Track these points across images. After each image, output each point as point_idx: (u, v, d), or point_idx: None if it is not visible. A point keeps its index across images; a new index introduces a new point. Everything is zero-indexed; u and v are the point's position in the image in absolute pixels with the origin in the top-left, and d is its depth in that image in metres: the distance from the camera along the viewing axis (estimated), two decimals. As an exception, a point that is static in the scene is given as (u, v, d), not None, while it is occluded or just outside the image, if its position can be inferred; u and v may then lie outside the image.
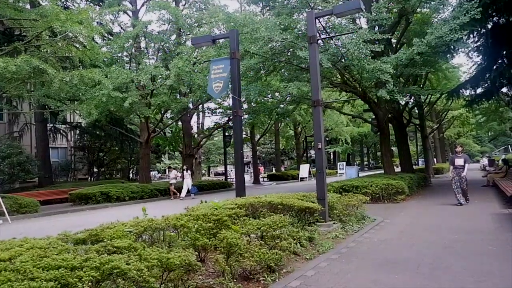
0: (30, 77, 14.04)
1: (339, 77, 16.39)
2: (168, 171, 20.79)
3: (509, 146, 59.86)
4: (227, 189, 26.65)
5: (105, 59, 19.53)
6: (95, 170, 32.46)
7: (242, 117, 14.01)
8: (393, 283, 4.53)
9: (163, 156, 55.61)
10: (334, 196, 8.74)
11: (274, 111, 17.20)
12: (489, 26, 17.46)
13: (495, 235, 7.05)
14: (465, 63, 61.45)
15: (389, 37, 13.11)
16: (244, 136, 39.40)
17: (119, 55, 21.61)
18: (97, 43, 21.60)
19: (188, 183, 20.02)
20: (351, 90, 15.24)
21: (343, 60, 13.30)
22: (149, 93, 19.76)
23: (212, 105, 28.80)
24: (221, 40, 15.52)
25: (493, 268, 4.98)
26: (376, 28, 14.32)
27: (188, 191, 20.19)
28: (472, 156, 77.66)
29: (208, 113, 32.02)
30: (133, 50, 21.98)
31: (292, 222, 6.83)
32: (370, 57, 12.72)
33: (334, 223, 7.96)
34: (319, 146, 7.80)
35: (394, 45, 15.83)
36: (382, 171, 18.25)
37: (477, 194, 14.53)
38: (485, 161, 39.37)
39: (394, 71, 12.90)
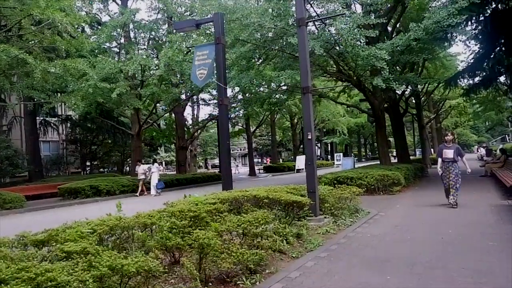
0: (10, 68, 13.48)
1: (334, 65, 15.90)
2: (136, 166, 19.25)
3: (506, 135, 59.58)
4: (221, 182, 26.21)
5: (94, 50, 18.99)
6: (88, 163, 31.99)
7: (229, 107, 13.52)
8: (384, 286, 4.10)
9: (159, 148, 55.16)
10: (326, 188, 8.31)
11: (267, 101, 16.71)
12: (488, 12, 16.98)
13: (495, 228, 6.63)
14: (462, 52, 60.73)
15: (385, 21, 12.61)
16: (239, 127, 38.94)
17: (108, 45, 21.04)
18: (84, 32, 21.04)
19: (154, 178, 18.39)
20: (346, 79, 14.75)
21: (337, 48, 12.80)
22: (138, 84, 19.23)
23: (206, 96, 28.31)
24: (212, 29, 14.98)
25: (494, 267, 4.56)
26: (372, 15, 13.83)
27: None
28: (469, 146, 77.59)
29: (203, 104, 31.50)
30: (123, 40, 21.41)
31: (279, 217, 6.41)
32: (364, 44, 12.24)
33: (325, 217, 7.53)
34: (309, 136, 7.35)
35: (389, 32, 15.31)
36: (379, 162, 17.85)
37: (475, 185, 14.15)
38: (482, 151, 39.08)
39: (390, 58, 12.43)
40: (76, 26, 15.38)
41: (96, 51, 19.25)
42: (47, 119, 27.85)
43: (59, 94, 20.39)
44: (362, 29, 11.59)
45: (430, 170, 23.73)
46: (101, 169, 33.32)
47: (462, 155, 9.11)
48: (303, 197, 7.47)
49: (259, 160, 72.90)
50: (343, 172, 13.84)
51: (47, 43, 15.74)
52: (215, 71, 8.45)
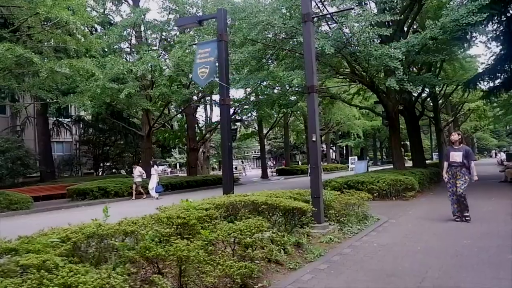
0: (18, 67, 13.39)
1: (347, 65, 15.40)
2: (133, 167, 18.49)
3: (528, 140, 57.82)
4: (233, 184, 25.89)
5: (105, 50, 18.89)
6: (101, 164, 32.01)
7: (241, 108, 13.09)
8: (387, 305, 3.67)
9: (173, 150, 55.14)
10: (332, 194, 7.85)
11: (277, 102, 16.30)
12: (510, 12, 16.28)
13: (515, 240, 6.10)
14: (483, 53, 59.28)
15: (399, 18, 12.06)
16: (251, 130, 38.58)
17: (119, 45, 20.95)
18: (96, 32, 20.98)
19: (153, 180, 17.61)
20: (358, 79, 14.23)
21: (349, 47, 12.31)
22: (148, 85, 19.05)
23: (218, 97, 28.05)
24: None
25: (513, 285, 4.07)
26: (387, 14, 13.33)
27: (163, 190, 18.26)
28: (489, 150, 75.64)
29: (215, 105, 31.21)
30: (134, 40, 21.30)
31: (279, 224, 6.00)
32: (378, 43, 11.75)
33: (330, 224, 7.09)
34: (313, 138, 6.92)
35: (405, 32, 14.75)
36: (392, 166, 17.25)
37: (494, 191, 13.47)
38: (502, 155, 37.87)
39: (405, 58, 11.92)
40: (85, 26, 15.24)
41: (107, 51, 19.18)
42: (60, 119, 27.93)
43: (71, 95, 20.37)
44: (376, 27, 11.12)
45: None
46: (114, 170, 33.35)
47: (471, 159, 7.81)
48: (307, 202, 7.06)
49: (274, 162, 72.47)
50: (354, 176, 13.33)
51: (56, 43, 15.66)
52: (218, 70, 8.08)
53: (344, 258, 5.35)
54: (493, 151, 69.97)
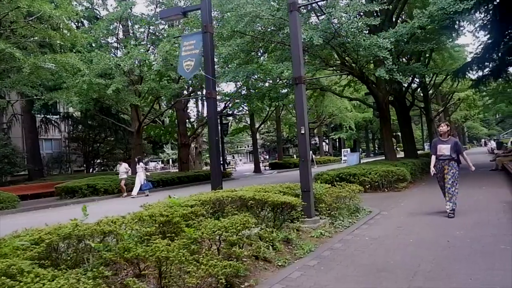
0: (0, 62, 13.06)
1: (337, 57, 15.23)
2: (118, 164, 17.90)
3: (518, 128, 58.29)
4: (225, 179, 25.72)
5: (92, 45, 18.54)
6: (91, 161, 31.66)
7: (231, 102, 12.78)
8: (378, 302, 3.53)
9: (165, 146, 54.82)
10: (323, 187, 7.70)
11: (267, 96, 16.12)
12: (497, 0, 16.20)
13: (508, 229, 6.00)
14: (471, 43, 59.51)
15: (387, 7, 11.90)
16: (243, 124, 38.38)
17: (106, 40, 20.59)
18: (83, 26, 20.58)
19: (140, 178, 16.93)
20: (348, 71, 14.08)
21: (338, 38, 12.12)
22: (136, 80, 18.74)
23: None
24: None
25: (508, 276, 3.95)
26: (374, 2, 13.16)
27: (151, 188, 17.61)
28: (478, 139, 76.14)
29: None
30: (121, 34, 20.94)
31: (268, 219, 5.85)
32: (366, 32, 11.59)
33: (321, 218, 6.94)
34: (302, 131, 6.75)
35: (394, 22, 14.59)
36: (384, 157, 17.18)
37: (485, 179, 13.44)
38: (493, 144, 38.10)
39: (394, 48, 11.78)
40: (69, 20, 14.88)
41: (94, 46, 18.82)
42: (48, 116, 27.51)
43: (57, 91, 20.02)
44: (364, 17, 10.96)
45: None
46: (104, 167, 33.02)
47: (461, 151, 7.30)
48: (297, 197, 6.92)
49: (267, 156, 72.33)
50: (346, 168, 13.21)
51: (40, 38, 15.31)
52: (203, 62, 7.87)
53: (335, 253, 5.20)
54: (483, 140, 70.46)
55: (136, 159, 17.87)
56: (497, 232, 5.86)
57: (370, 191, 11.82)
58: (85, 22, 22.32)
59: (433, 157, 7.51)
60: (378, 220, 7.48)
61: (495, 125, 71.98)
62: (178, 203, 5.37)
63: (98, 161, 32.10)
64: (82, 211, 4.73)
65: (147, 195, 16.46)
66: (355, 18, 10.50)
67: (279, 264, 4.74)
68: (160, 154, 61.44)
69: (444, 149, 7.24)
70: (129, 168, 17.41)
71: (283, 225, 6.18)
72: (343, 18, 10.69)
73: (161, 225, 4.54)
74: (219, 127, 31.55)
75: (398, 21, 14.76)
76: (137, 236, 3.98)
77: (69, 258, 3.76)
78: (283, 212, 5.79)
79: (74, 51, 15.98)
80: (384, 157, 17.41)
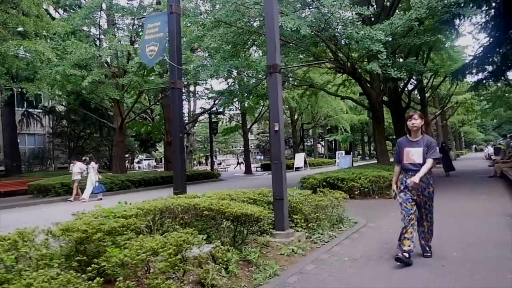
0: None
1: (331, 55, 14.25)
2: (72, 163, 15.77)
3: (516, 134, 57.50)
4: (213, 180, 24.77)
5: (73, 34, 17.47)
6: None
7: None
8: None
9: (157, 144, 53.73)
10: (301, 194, 6.71)
11: (253, 92, 15.12)
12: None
13: (514, 251, 5.05)
14: (471, 45, 58.84)
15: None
16: (235, 123, 37.32)
17: (89, 30, 19.54)
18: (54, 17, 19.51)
19: (91, 179, 14.95)
20: (340, 67, 13.10)
21: (328, 30, 11.14)
22: (117, 72, 17.71)
23: (199, 88, 26.81)
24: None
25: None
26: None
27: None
28: (477, 144, 75.37)
29: (196, 97, 29.86)
30: (106, 25, 19.90)
31: (227, 233, 4.85)
32: (359, 24, 10.63)
33: (297, 231, 5.96)
34: (276, 128, 5.76)
35: (390, 15, 13.63)
36: (376, 161, 16.21)
37: (483, 187, 12.51)
38: (490, 149, 37.29)
39: (390, 41, 10.84)
40: (46, 6, 13.85)
41: (75, 36, 17.77)
42: (29, 110, 26.40)
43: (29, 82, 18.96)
44: (357, 6, 9.99)
45: (434, 170, 22.11)
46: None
47: (431, 157, 4.68)
48: (270, 204, 5.96)
49: (262, 157, 71.38)
50: (334, 172, 12.23)
51: (12, 24, 14.28)
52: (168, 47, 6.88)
53: (303, 279, 4.21)
54: (474, 146, 70.06)
55: (87, 158, 16.22)
56: (501, 253, 4.89)
57: (359, 198, 10.86)
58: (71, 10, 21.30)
59: (397, 168, 5.02)
60: (363, 233, 6.50)
61: (491, 130, 71.26)
62: (116, 212, 4.39)
63: (84, 158, 30.94)
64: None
65: (101, 199, 14.62)
66: (346, 7, 9.51)
67: (229, 295, 3.75)
68: (153, 152, 60.39)
69: (415, 153, 4.72)
70: (84, 168, 15.42)
71: (248, 239, 5.20)
72: (333, 7, 9.69)
73: (78, 243, 3.56)
74: (210, 125, 30.58)
75: (396, 13, 13.77)
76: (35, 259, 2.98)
77: None
78: (247, 224, 4.79)
79: (48, 39, 14.93)
80: (376, 161, 16.44)
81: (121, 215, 4.27)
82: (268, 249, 5.28)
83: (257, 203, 6.00)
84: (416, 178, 4.48)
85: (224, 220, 4.79)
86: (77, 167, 15.33)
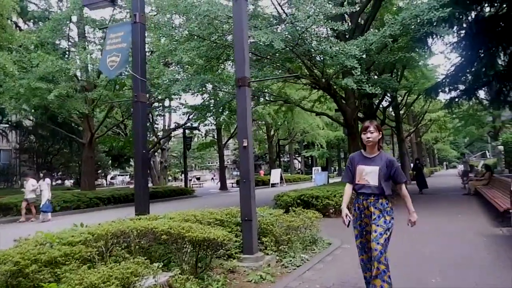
0: None
1: (306, 71, 14.11)
2: (24, 181, 14.49)
3: (486, 151, 58.98)
4: (186, 197, 24.12)
5: (41, 46, 16.81)
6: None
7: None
8: None
9: (131, 159, 52.45)
10: (272, 214, 6.33)
11: (227, 107, 14.78)
12: (473, 16, 15.60)
13: (493, 272, 4.79)
14: (443, 64, 60.50)
15: (356, 9, 10.87)
16: (211, 138, 36.86)
17: (59, 42, 18.90)
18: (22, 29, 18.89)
19: (45, 197, 13.71)
20: (314, 82, 12.92)
21: (303, 46, 10.95)
22: (87, 86, 17.11)
23: (174, 103, 26.32)
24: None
25: None
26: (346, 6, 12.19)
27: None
28: (449, 161, 76.94)
29: (171, 111, 29.32)
30: (77, 38, 19.32)
31: (188, 259, 4.41)
32: (334, 39, 10.50)
33: (267, 254, 5.56)
34: (244, 144, 5.40)
35: (363, 30, 13.62)
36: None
37: (460, 205, 12.41)
38: (461, 167, 37.91)
39: (364, 58, 10.73)
40: (4, 17, 13.24)
41: (44, 48, 17.12)
42: (-5, 125, 25.37)
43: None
44: (331, 21, 9.85)
45: (410, 187, 22.14)
46: (59, 181, 30.81)
47: (401, 180, 3.92)
48: (238, 226, 5.57)
49: (239, 173, 70.77)
50: (309, 189, 11.91)
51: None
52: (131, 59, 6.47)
53: (271, 311, 3.81)
54: (445, 163, 71.46)
55: (41, 174, 14.82)
56: (481, 276, 4.63)
57: (334, 216, 10.53)
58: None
59: (348, 189, 4.03)
60: (338, 256, 6.15)
61: (463, 148, 72.98)
62: (58, 238, 3.91)
63: (53, 174, 29.84)
64: None
65: (49, 220, 13.51)
66: (320, 22, 9.33)
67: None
68: (127, 168, 59.02)
69: (369, 174, 3.80)
70: (37, 186, 14.09)
71: (214, 264, 4.79)
72: (307, 21, 9.50)
73: (10, 276, 3.07)
74: (184, 141, 30.01)
75: (370, 30, 13.79)
76: None
77: None
78: (209, 250, 4.37)
79: (13, 52, 14.27)
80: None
81: (67, 241, 3.79)
82: (234, 275, 4.86)
83: (224, 224, 5.60)
84: (414, 217, 4.01)
85: (186, 244, 4.36)
86: (29, 184, 14.02)
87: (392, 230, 3.86)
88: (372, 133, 3.79)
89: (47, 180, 14.26)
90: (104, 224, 4.55)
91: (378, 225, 3.75)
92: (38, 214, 14.01)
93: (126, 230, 4.27)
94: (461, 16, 13.88)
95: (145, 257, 4.24)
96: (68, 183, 30.34)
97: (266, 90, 15.55)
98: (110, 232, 4.11)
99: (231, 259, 5.25)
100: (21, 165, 27.98)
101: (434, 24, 11.11)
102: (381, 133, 3.86)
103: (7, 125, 26.40)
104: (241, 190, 5.49)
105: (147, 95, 20.15)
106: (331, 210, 10.62)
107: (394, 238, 7.38)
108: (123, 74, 14.57)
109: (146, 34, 14.90)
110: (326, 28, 10.78)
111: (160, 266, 3.76)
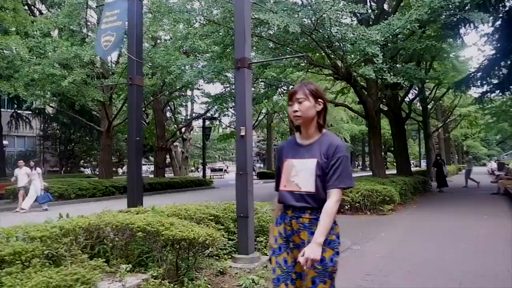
0: None
1: (326, 58, 13.40)
2: (18, 167, 13.59)
3: (520, 149, 56.46)
4: (203, 188, 23.82)
5: (60, 32, 16.68)
6: (67, 162, 29.71)
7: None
8: None
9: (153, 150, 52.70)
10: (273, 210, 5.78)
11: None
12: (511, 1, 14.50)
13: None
14: (475, 56, 58.04)
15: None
16: (232, 130, 36.40)
17: (79, 27, 18.75)
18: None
19: (36, 187, 12.96)
20: (333, 70, 12.20)
21: (320, 30, 10.27)
22: (104, 73, 16.91)
23: (195, 92, 25.96)
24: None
25: None
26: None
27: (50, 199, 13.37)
28: (478, 159, 74.19)
29: (190, 100, 28.99)
30: (94, 22, 19.18)
31: (172, 259, 3.93)
32: (356, 24, 9.80)
33: (263, 254, 5.04)
34: (242, 133, 4.85)
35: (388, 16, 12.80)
36: (371, 173, 15.24)
37: (486, 205, 11.55)
38: (493, 164, 36.26)
39: (386, 44, 9.98)
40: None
41: (63, 34, 16.98)
42: (19, 112, 25.61)
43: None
44: (351, 3, 9.16)
45: (434, 183, 21.14)
46: (81, 169, 31.09)
47: (337, 184, 2.12)
48: (235, 222, 5.06)
49: (262, 165, 70.38)
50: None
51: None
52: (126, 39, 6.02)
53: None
54: (490, 161, 68.78)
55: (32, 163, 14.02)
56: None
57: (349, 213, 9.92)
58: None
59: (276, 204, 2.42)
60: (344, 259, 5.54)
61: (495, 145, 70.22)
62: (23, 231, 3.49)
63: (73, 161, 30.12)
64: None
65: (46, 210, 12.73)
66: (340, 4, 8.66)
67: None
68: (150, 157, 59.39)
69: (300, 173, 2.22)
70: (32, 173, 13.33)
71: (202, 264, 4.30)
72: (325, 4, 8.84)
73: None
74: (203, 131, 29.65)
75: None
76: None
77: None
78: (190, 250, 3.86)
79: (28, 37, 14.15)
80: (372, 173, 15.47)
81: (28, 236, 3.37)
82: (225, 277, 4.36)
83: (220, 220, 5.10)
84: (312, 253, 2.04)
85: (165, 243, 3.87)
86: (23, 172, 13.26)
87: (335, 272, 2.23)
88: (300, 102, 2.18)
89: (38, 169, 13.68)
90: (91, 216, 4.13)
91: (313, 268, 2.11)
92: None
93: (100, 225, 3.82)
94: (497, 2, 12.83)
95: (122, 257, 3.83)
96: (88, 171, 30.53)
97: (284, 80, 14.91)
98: (80, 227, 3.67)
99: (224, 259, 4.75)
100: (44, 151, 28.28)
101: (467, 8, 10.26)
102: (318, 102, 2.22)
103: (30, 112, 26.65)
104: (237, 184, 4.97)
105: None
106: (346, 207, 9.99)
107: (417, 237, 6.77)
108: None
109: (161, 19, 14.55)
110: (348, 15, 10.05)
111: (128, 269, 3.29)
